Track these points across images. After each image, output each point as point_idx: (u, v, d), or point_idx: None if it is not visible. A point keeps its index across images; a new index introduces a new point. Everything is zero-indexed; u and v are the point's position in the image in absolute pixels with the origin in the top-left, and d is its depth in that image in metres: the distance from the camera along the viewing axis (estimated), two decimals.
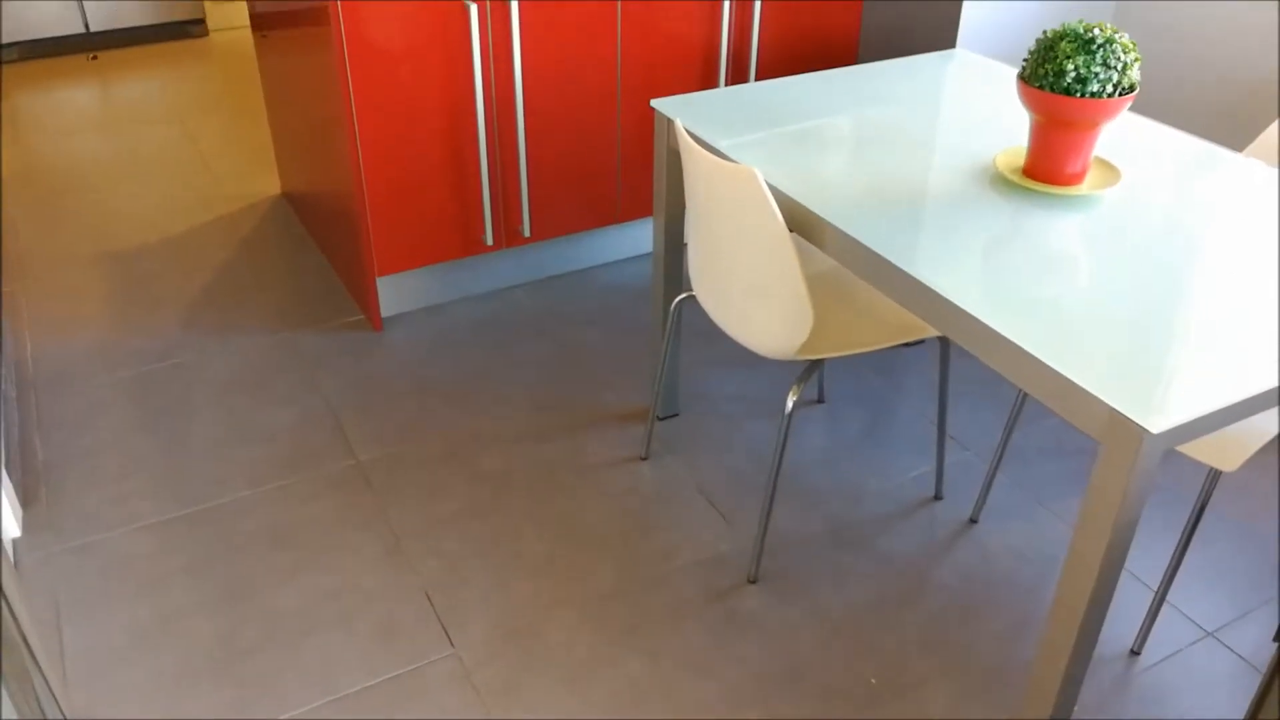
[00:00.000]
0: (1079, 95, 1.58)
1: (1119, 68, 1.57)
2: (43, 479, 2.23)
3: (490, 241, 2.77)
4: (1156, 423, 1.20)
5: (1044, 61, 1.61)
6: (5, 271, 3.02)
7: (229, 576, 1.99)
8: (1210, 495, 1.71)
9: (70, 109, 4.14)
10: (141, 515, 2.13)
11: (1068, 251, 1.55)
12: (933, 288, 1.46)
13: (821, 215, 1.65)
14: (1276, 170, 1.81)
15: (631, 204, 2.95)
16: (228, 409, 2.45)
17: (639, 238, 3.11)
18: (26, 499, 2.18)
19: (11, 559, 2.00)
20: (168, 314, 2.82)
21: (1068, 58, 1.58)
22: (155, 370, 2.59)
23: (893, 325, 1.92)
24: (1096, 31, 1.58)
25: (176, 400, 2.48)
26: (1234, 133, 2.71)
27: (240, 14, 5.06)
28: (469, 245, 2.77)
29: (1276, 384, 1.28)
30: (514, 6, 2.47)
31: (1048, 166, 1.69)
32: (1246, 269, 1.51)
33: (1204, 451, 1.63)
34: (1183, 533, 1.75)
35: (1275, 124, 1.92)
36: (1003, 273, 1.49)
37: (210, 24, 4.99)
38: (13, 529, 2.06)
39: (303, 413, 2.44)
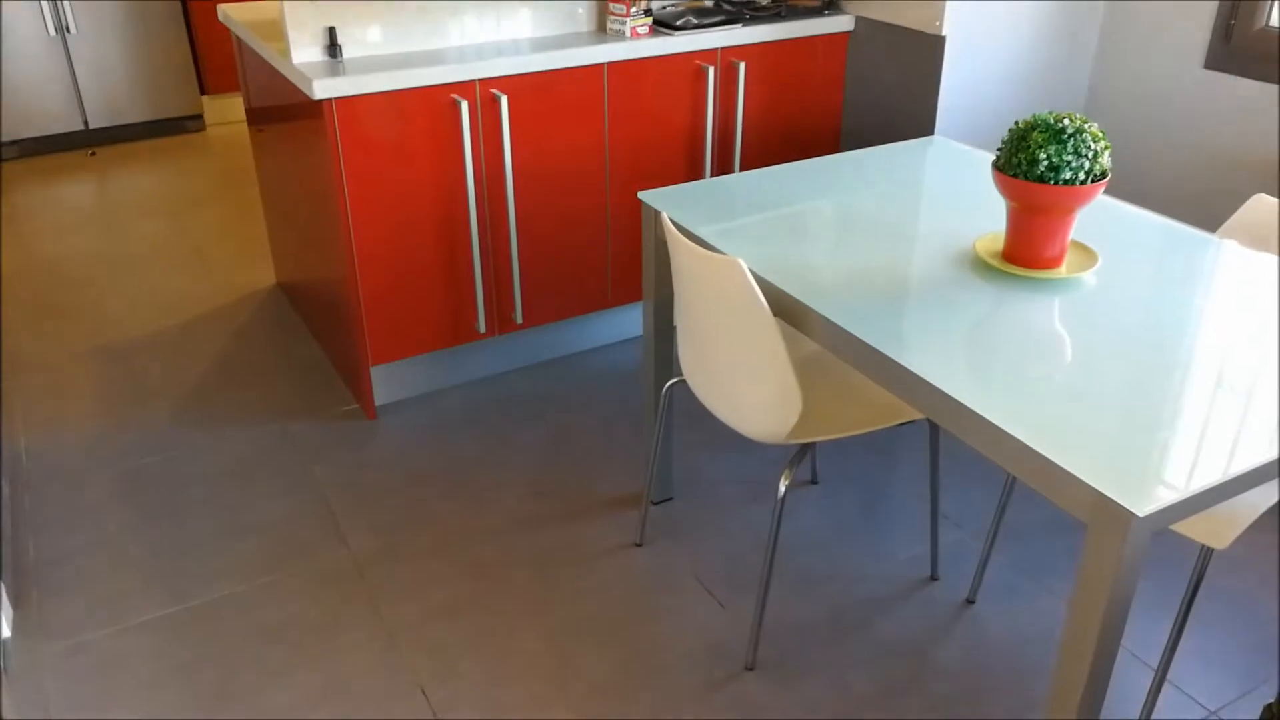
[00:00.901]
0: (1052, 183, 1.62)
1: (1090, 156, 1.62)
2: (33, 578, 2.22)
3: (483, 329, 2.80)
4: (1142, 505, 1.21)
5: (1017, 151, 1.66)
6: (2, 369, 3.04)
7: (221, 676, 1.97)
8: (1204, 572, 1.71)
9: (68, 204, 4.21)
10: (132, 614, 2.11)
11: (1049, 334, 1.58)
12: (917, 372, 1.48)
13: (806, 302, 1.68)
14: (1252, 251, 1.85)
15: (622, 288, 3.00)
16: (220, 503, 2.45)
17: (630, 321, 3.15)
18: (17, 599, 2.16)
19: (1, 661, 1.98)
20: (161, 407, 2.83)
21: (1040, 147, 1.62)
22: (148, 465, 2.59)
23: (882, 407, 1.93)
24: (1066, 122, 1.63)
25: (168, 495, 2.48)
26: (1205, 212, 2.77)
27: (237, 109, 5.17)
28: (462, 333, 2.79)
29: (1263, 461, 1.29)
30: (503, 102, 2.54)
31: (1026, 251, 1.73)
32: (1226, 348, 1.54)
33: (1195, 529, 1.63)
34: (1179, 611, 1.74)
35: (1247, 205, 1.96)
36: (986, 356, 1.52)
37: (207, 119, 5.11)
38: (2, 629, 2.04)
39: (295, 504, 2.44)
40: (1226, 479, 1.27)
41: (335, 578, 2.21)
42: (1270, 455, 1.30)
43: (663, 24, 2.74)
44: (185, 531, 2.35)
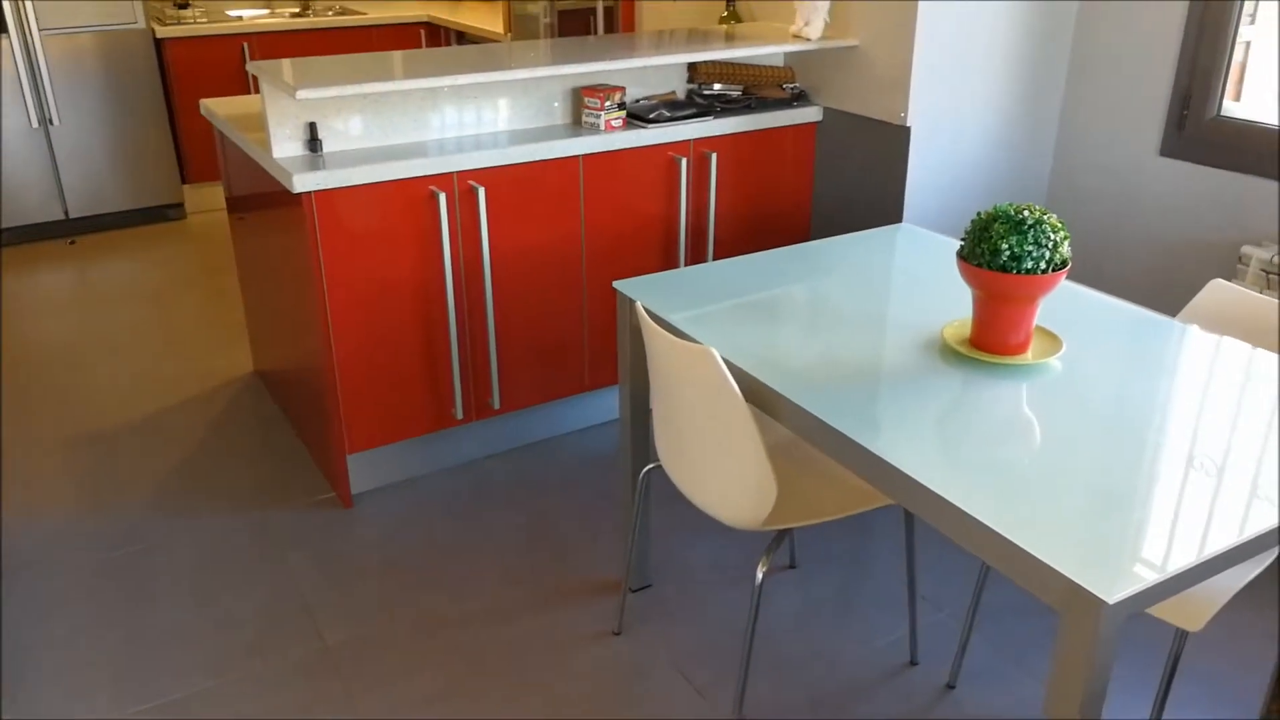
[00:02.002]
0: (1015, 272, 1.67)
1: (1050, 246, 1.67)
2: (3, 673, 2.17)
3: (460, 415, 2.81)
4: (1113, 593, 1.22)
5: (980, 241, 1.71)
6: None
7: None
8: (1180, 655, 1.71)
9: (48, 292, 4.22)
10: (102, 711, 2.07)
11: (1017, 420, 1.61)
12: (888, 460, 1.50)
13: (778, 389, 1.70)
14: (1213, 337, 1.90)
15: (598, 372, 3.02)
16: (194, 594, 2.42)
17: (607, 404, 3.17)
18: None
19: None
20: (137, 497, 2.81)
21: (1002, 238, 1.68)
22: (121, 555, 2.55)
23: (858, 491, 1.95)
24: (1026, 213, 1.69)
25: (142, 587, 2.44)
26: (1165, 295, 2.84)
27: (217, 197, 5.23)
28: (439, 419, 2.80)
29: (1233, 544, 1.31)
30: (481, 193, 2.59)
31: (992, 338, 1.77)
32: (1193, 431, 1.57)
33: (1169, 612, 1.64)
34: (1156, 695, 1.74)
35: (1206, 290, 2.02)
36: (955, 443, 1.54)
37: (188, 207, 5.16)
38: None
39: (270, 595, 2.41)
40: (1198, 563, 1.29)
41: (310, 669, 2.18)
42: (1240, 538, 1.33)
43: (636, 117, 2.82)
44: (157, 625, 2.31)
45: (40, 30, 4.48)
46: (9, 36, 4.43)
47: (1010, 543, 1.32)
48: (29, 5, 4.42)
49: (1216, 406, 1.64)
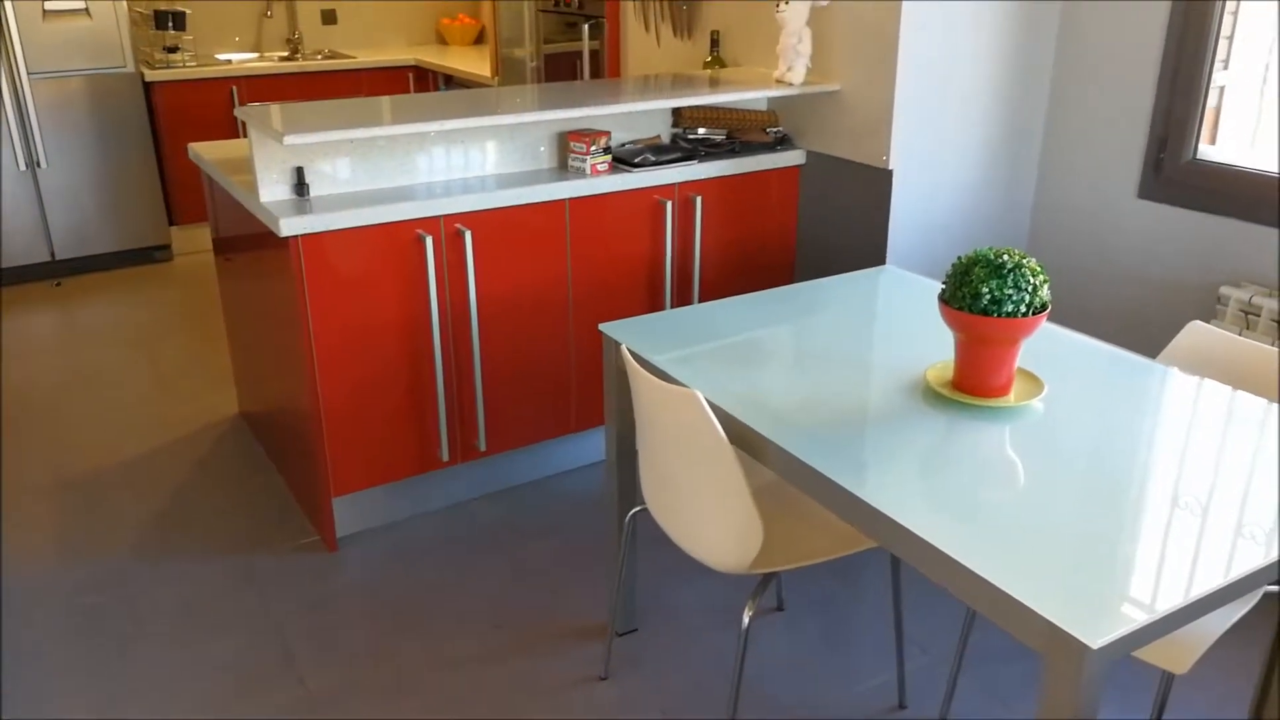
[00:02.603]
0: (996, 315, 1.69)
1: (1029, 289, 1.69)
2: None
3: (446, 457, 2.80)
4: (1096, 637, 1.23)
5: (961, 285, 1.72)
6: None
7: None
8: (1167, 698, 1.71)
9: (33, 335, 4.20)
10: None
11: (1001, 462, 1.62)
12: (870, 503, 1.50)
13: (762, 432, 1.71)
14: (1194, 378, 1.92)
15: (585, 413, 3.02)
16: (176, 641, 2.39)
17: (593, 445, 3.16)
18: None
19: None
20: (119, 541, 2.78)
21: (982, 281, 1.69)
22: (103, 602, 2.52)
23: (844, 534, 1.95)
24: (1006, 257, 1.71)
25: (122, 634, 2.41)
26: (1145, 336, 2.87)
27: (204, 238, 5.23)
28: (425, 462, 2.79)
29: (1217, 586, 1.32)
30: (468, 236, 2.61)
31: (975, 380, 1.78)
32: (1176, 474, 1.58)
33: (1155, 655, 1.64)
34: None
35: (1184, 332, 2.04)
36: (939, 486, 1.55)
37: (175, 249, 5.16)
38: None
39: (253, 641, 2.38)
40: (1184, 604, 1.29)
41: (294, 716, 2.15)
42: (1226, 579, 1.33)
43: (622, 161, 2.85)
44: (138, 672, 2.28)
45: (29, 74, 4.51)
46: None
47: (994, 587, 1.32)
48: (18, 50, 4.45)
49: (1199, 447, 1.66)
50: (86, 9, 4.56)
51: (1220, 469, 1.59)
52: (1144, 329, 2.89)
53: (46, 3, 4.47)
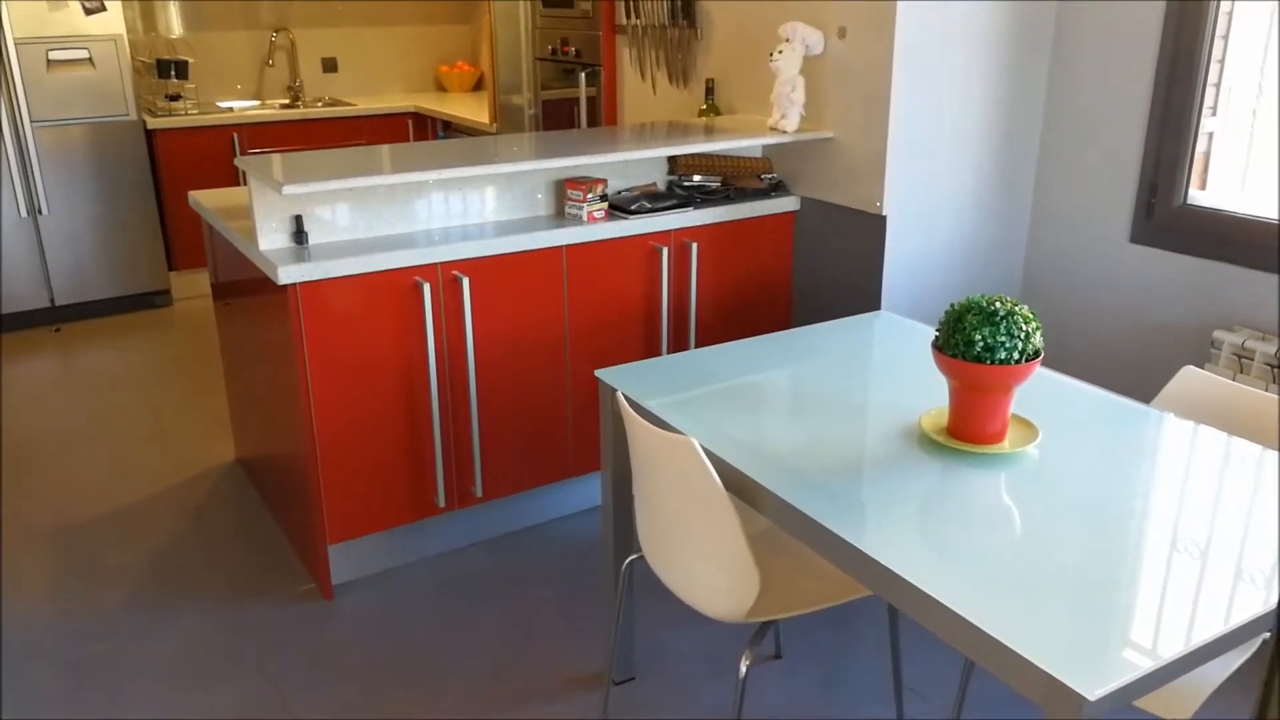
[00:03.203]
0: (989, 363, 1.70)
1: (1022, 336, 1.70)
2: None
3: (443, 503, 2.79)
4: (1094, 688, 1.22)
5: (954, 332, 1.73)
6: None
7: None
8: None
9: (30, 381, 4.20)
10: None
11: (997, 510, 1.61)
12: (866, 552, 1.50)
13: (757, 479, 1.71)
14: (1189, 424, 1.93)
15: (582, 458, 3.02)
16: (169, 694, 2.36)
17: (590, 490, 3.16)
18: None
19: None
20: (113, 592, 2.76)
21: (975, 329, 1.70)
22: (95, 654, 2.50)
23: (842, 581, 1.94)
24: (998, 305, 1.72)
25: (114, 687, 2.39)
26: (1140, 380, 2.88)
27: (203, 283, 5.26)
28: (421, 508, 2.79)
29: (1216, 635, 1.31)
30: (465, 283, 2.62)
31: (969, 427, 1.78)
32: (1173, 521, 1.58)
33: (1154, 704, 1.63)
34: None
35: (1178, 377, 2.05)
36: (935, 535, 1.54)
37: (174, 294, 5.18)
38: None
39: (246, 694, 2.36)
40: (1184, 653, 1.29)
41: None
42: (1227, 626, 1.33)
43: (618, 208, 2.88)
44: None
45: (33, 122, 4.56)
46: (1, 128, 4.50)
47: (990, 637, 1.32)
48: (22, 99, 4.50)
49: (1196, 493, 1.66)
50: (90, 59, 4.62)
51: (1217, 515, 1.59)
52: (1138, 373, 2.90)
53: (51, 52, 4.53)
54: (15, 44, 4.44)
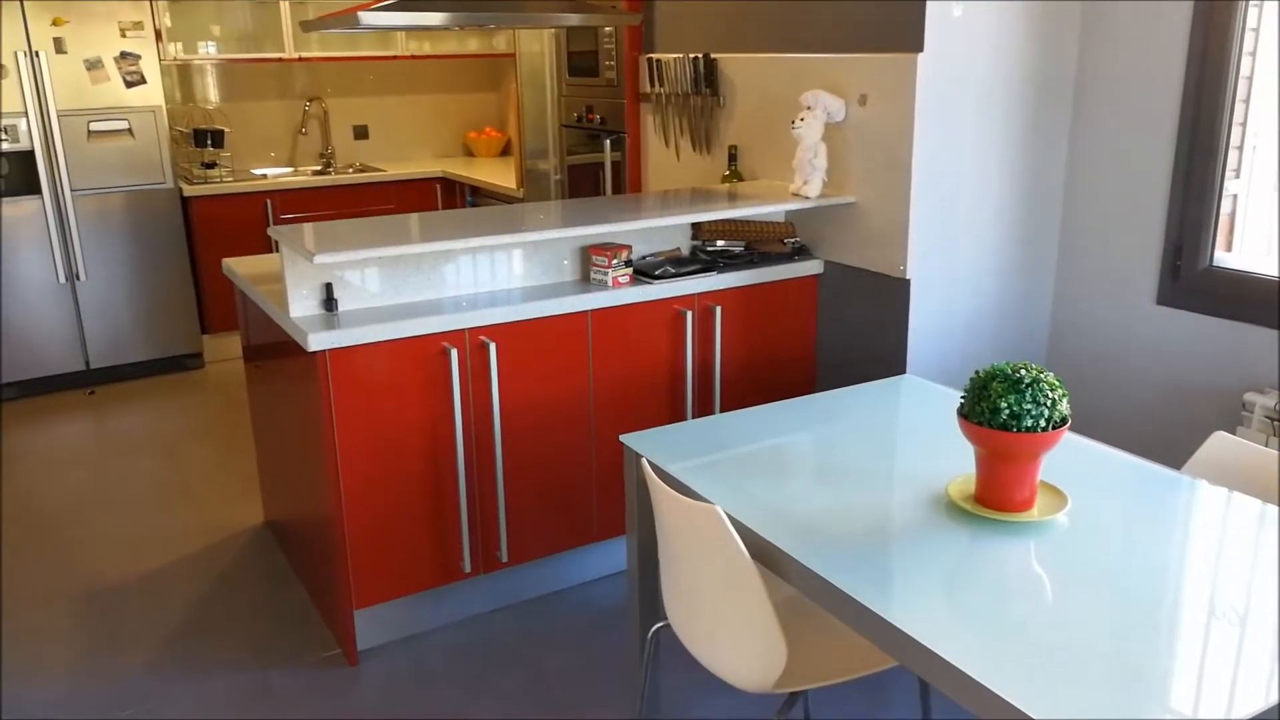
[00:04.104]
0: (1015, 430, 1.69)
1: (1048, 404, 1.69)
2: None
3: (468, 568, 2.79)
4: None
5: (979, 400, 1.73)
6: None
7: None
8: None
9: (64, 443, 4.26)
10: None
11: (1027, 579, 1.59)
12: (894, 623, 1.49)
13: (783, 548, 1.70)
14: (1222, 490, 1.90)
15: (607, 522, 3.01)
16: None
17: (615, 555, 3.14)
18: None
19: None
20: (137, 657, 2.77)
21: (1000, 396, 1.70)
22: (121, 718, 2.50)
23: (871, 650, 1.91)
24: (1024, 372, 1.72)
25: None
26: (1169, 443, 2.85)
27: (235, 346, 5.33)
28: (446, 573, 2.78)
29: (1261, 709, 1.28)
30: (492, 349, 2.65)
31: (997, 495, 1.77)
32: (1208, 591, 1.55)
33: None
34: None
35: (1208, 443, 2.03)
36: (965, 606, 1.53)
37: (206, 356, 5.26)
38: None
39: None
40: None
41: None
42: (1268, 701, 1.30)
43: (642, 273, 2.91)
44: None
45: (73, 191, 4.68)
46: (42, 197, 4.63)
47: (1023, 713, 1.29)
48: (64, 168, 4.64)
49: (1231, 562, 1.63)
50: (130, 129, 4.76)
51: (1254, 585, 1.56)
52: (1168, 437, 2.87)
53: (92, 123, 4.67)
54: (58, 115, 4.59)
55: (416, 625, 2.85)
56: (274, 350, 2.86)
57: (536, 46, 4.57)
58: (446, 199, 5.65)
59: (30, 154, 4.57)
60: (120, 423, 4.50)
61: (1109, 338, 3.00)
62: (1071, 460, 2.02)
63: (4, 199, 4.57)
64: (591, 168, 4.30)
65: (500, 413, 2.73)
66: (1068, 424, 1.73)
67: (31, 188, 4.61)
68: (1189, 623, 1.47)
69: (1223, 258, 2.77)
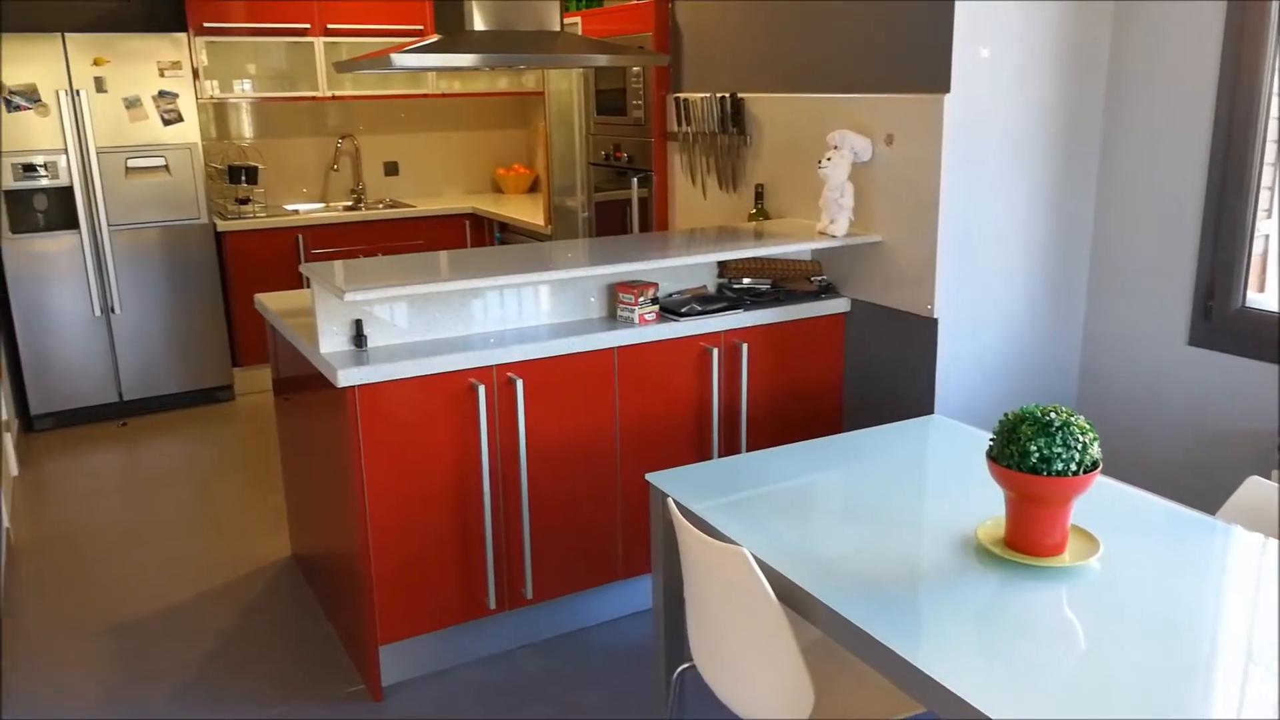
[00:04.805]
0: (1045, 474, 1.67)
1: (1079, 448, 1.68)
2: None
3: (493, 605, 2.79)
4: None
5: (1009, 443, 1.72)
6: (6, 647, 3.01)
7: None
8: None
9: (94, 475, 4.31)
10: None
11: (1058, 626, 1.57)
12: (921, 668, 1.47)
13: (810, 590, 1.69)
14: (1258, 536, 1.87)
15: (632, 560, 3.00)
16: None
17: (640, 593, 3.13)
18: None
19: None
20: (161, 689, 2.78)
21: (1030, 439, 1.69)
22: None
23: (899, 696, 1.89)
24: (1054, 415, 1.70)
25: None
26: (1202, 486, 2.81)
27: (265, 379, 5.38)
28: (471, 609, 2.78)
29: None
30: (519, 385, 2.67)
31: (1027, 539, 1.75)
32: (1240, 638, 1.52)
33: None
34: None
35: (1243, 488, 2.00)
36: (995, 652, 1.51)
37: (237, 389, 5.31)
38: None
39: None
40: None
41: None
42: None
43: (669, 311, 2.92)
44: None
45: (109, 226, 4.77)
46: (80, 232, 4.72)
47: None
48: (101, 203, 4.73)
49: (1268, 610, 1.60)
50: (167, 166, 4.85)
51: None
52: (1201, 481, 2.83)
53: (130, 160, 4.77)
54: (98, 152, 4.69)
55: (441, 661, 2.85)
56: (303, 384, 2.89)
57: (565, 85, 4.62)
58: (475, 235, 5.71)
59: (69, 190, 4.67)
60: (151, 454, 4.55)
61: (1140, 379, 2.97)
62: (1103, 504, 2.00)
63: (43, 233, 4.66)
64: (619, 205, 4.34)
65: (526, 449, 2.74)
66: (1099, 468, 1.71)
67: (70, 223, 4.70)
68: (1225, 671, 1.45)
69: (1255, 298, 2.74)
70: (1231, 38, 2.64)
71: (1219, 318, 2.76)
